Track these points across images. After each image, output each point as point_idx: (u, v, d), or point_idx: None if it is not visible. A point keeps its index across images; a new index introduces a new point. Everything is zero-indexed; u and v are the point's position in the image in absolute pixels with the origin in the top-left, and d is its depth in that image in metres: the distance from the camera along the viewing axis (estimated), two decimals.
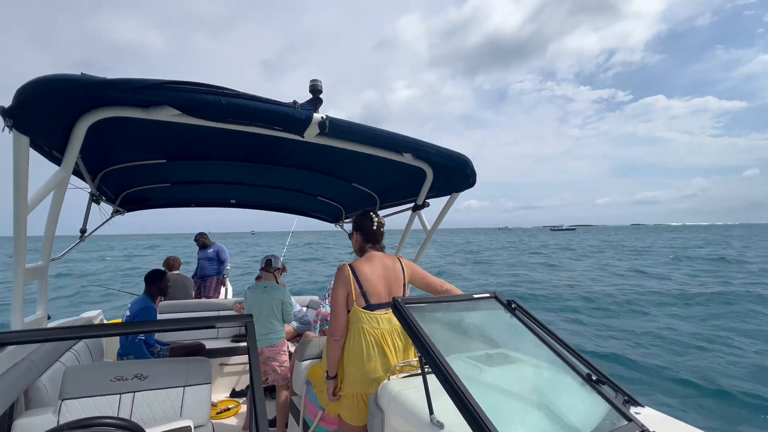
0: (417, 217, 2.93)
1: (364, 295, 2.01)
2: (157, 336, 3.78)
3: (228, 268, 6.58)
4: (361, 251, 2.25)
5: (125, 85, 1.30)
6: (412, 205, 2.93)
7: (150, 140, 2.20)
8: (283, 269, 3.75)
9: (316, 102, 1.60)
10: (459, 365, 1.54)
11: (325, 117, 1.61)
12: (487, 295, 1.96)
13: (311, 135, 1.69)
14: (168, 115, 1.45)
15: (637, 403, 1.59)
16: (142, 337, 3.15)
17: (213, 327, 1.28)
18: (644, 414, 1.54)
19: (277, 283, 3.38)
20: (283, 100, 1.55)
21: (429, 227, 2.91)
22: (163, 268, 4.68)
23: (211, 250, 6.34)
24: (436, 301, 1.90)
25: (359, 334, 1.98)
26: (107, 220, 3.20)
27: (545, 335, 1.78)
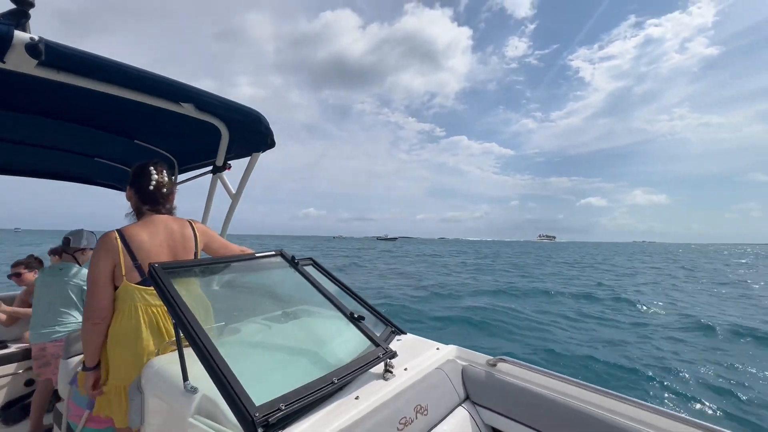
0: (220, 181, 2.68)
1: (138, 268, 1.62)
2: None
3: None
4: (138, 213, 1.80)
5: None
6: (211, 167, 2.66)
7: None
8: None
9: (19, 16, 1.11)
10: (245, 327, 1.68)
11: (36, 38, 1.15)
12: (272, 253, 1.90)
13: (23, 64, 1.23)
14: None
15: (400, 332, 1.87)
16: None
17: None
18: (404, 339, 1.85)
19: (80, 265, 2.73)
20: None
21: (234, 191, 2.66)
22: None
23: None
24: (211, 263, 1.69)
25: (130, 314, 1.60)
26: None
27: (327, 287, 1.82)
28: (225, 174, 2.65)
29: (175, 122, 2.07)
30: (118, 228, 1.67)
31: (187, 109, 1.85)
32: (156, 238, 1.69)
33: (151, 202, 1.78)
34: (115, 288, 1.62)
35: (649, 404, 1.29)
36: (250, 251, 1.99)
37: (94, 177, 3.65)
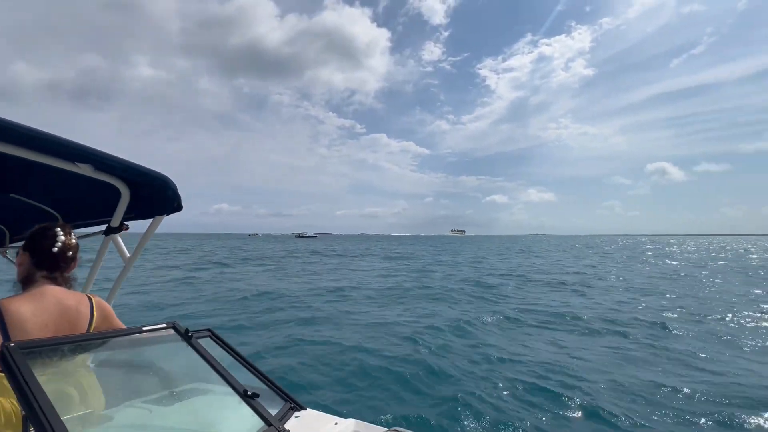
0: (113, 243, 2.39)
1: None
2: None
3: None
4: (26, 281, 1.55)
5: None
6: (105, 227, 2.34)
7: None
8: None
9: None
10: (124, 414, 1.51)
11: None
12: (164, 325, 1.73)
13: None
14: None
15: (300, 407, 1.81)
16: None
17: None
18: (303, 415, 1.78)
19: None
20: None
21: (129, 254, 2.40)
22: None
23: None
24: (87, 340, 1.48)
25: None
26: None
27: (222, 363, 1.72)
28: (120, 235, 2.40)
29: (67, 177, 1.83)
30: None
31: (84, 170, 1.65)
32: (42, 315, 1.42)
33: (50, 267, 1.58)
34: None
35: None
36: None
37: None
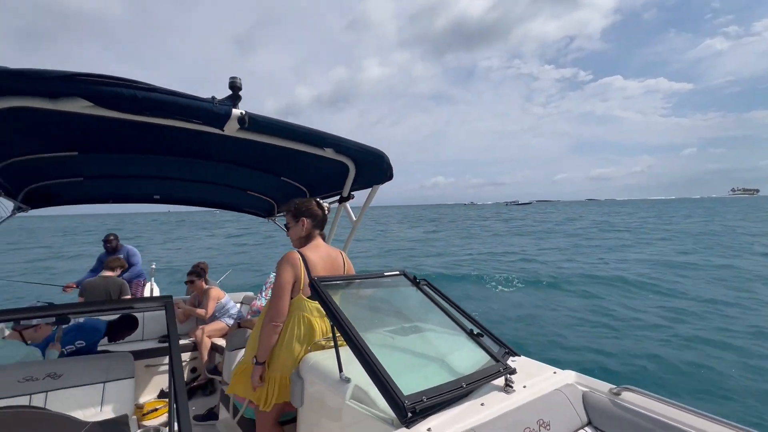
0: (344, 209, 3.11)
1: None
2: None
3: (152, 267, 6.46)
4: (308, 238, 2.20)
5: (32, 76, 1.28)
6: (338, 197, 3.08)
7: (59, 132, 2.08)
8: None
9: (235, 98, 1.68)
10: (373, 336, 1.79)
11: (244, 113, 1.70)
12: (397, 273, 2.18)
13: (232, 129, 1.77)
14: (79, 106, 1.47)
15: (514, 354, 1.92)
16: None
17: (131, 308, 1.72)
18: (519, 361, 1.90)
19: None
20: (204, 95, 1.61)
21: (355, 218, 3.11)
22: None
23: (121, 255, 5.31)
24: (349, 279, 2.07)
25: (299, 323, 1.96)
26: (7, 218, 3.09)
27: (445, 305, 2.05)
28: (348, 203, 3.07)
29: (314, 162, 2.56)
30: (298, 249, 2.08)
31: (328, 153, 2.29)
32: (321, 262, 2.07)
33: (321, 226, 2.25)
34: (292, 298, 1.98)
35: None
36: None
37: (242, 206, 4.57)
